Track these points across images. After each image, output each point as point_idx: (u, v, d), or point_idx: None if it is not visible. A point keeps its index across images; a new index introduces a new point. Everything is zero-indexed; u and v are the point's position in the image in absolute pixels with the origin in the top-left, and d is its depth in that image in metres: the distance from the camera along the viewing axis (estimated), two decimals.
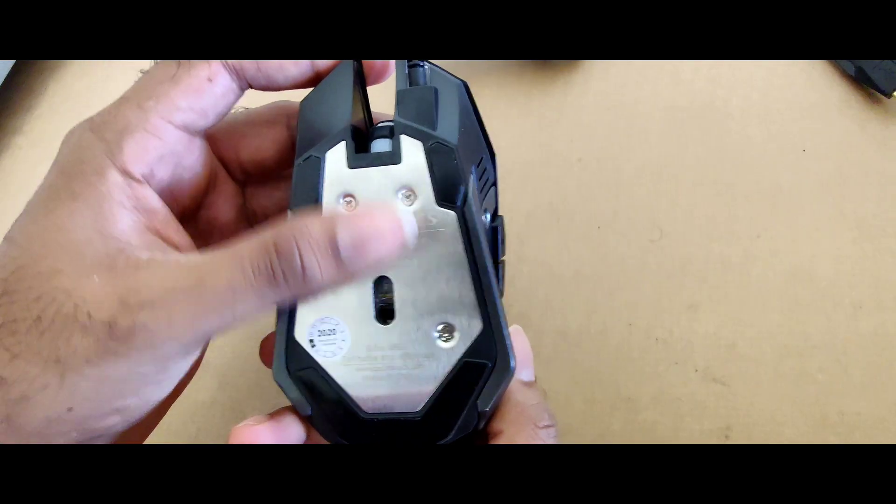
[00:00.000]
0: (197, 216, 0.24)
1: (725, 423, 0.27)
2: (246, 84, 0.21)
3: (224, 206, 0.24)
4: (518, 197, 0.33)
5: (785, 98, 0.33)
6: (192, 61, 0.20)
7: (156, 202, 0.20)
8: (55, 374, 0.17)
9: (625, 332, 0.29)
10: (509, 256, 0.28)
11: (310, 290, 0.18)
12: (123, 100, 0.20)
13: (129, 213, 0.19)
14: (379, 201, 0.19)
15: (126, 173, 0.19)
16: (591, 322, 0.30)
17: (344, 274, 0.18)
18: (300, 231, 0.18)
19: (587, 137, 0.33)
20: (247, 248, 0.18)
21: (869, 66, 0.31)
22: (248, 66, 0.21)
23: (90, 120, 0.20)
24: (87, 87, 0.40)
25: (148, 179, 0.20)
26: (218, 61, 0.20)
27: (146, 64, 0.22)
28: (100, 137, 0.19)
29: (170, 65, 0.20)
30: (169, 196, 0.21)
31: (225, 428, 0.24)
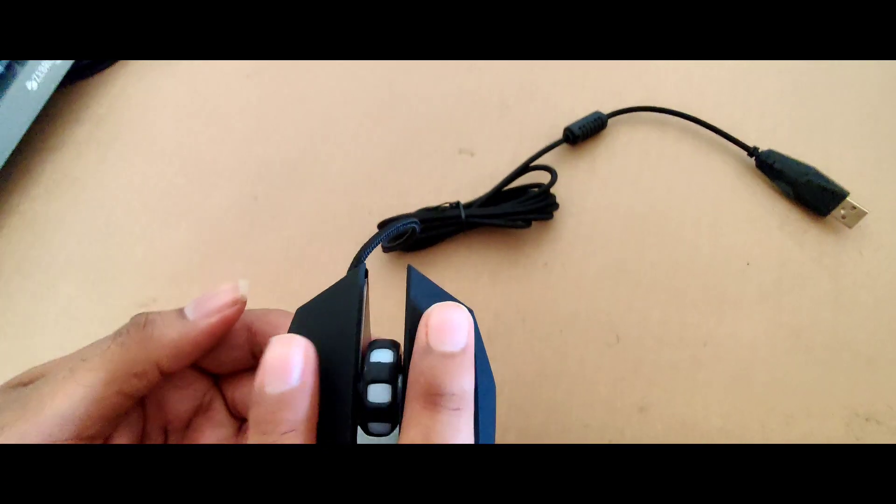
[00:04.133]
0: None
1: None
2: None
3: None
4: (488, 298, 0.35)
5: (732, 211, 0.36)
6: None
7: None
8: None
9: (581, 432, 0.32)
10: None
11: (156, 345, 0.20)
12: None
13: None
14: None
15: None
16: (551, 422, 0.32)
17: (187, 325, 0.21)
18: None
19: (552, 242, 0.36)
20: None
21: (805, 189, 0.35)
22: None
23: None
24: (83, 169, 0.42)
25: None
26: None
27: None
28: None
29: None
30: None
31: None
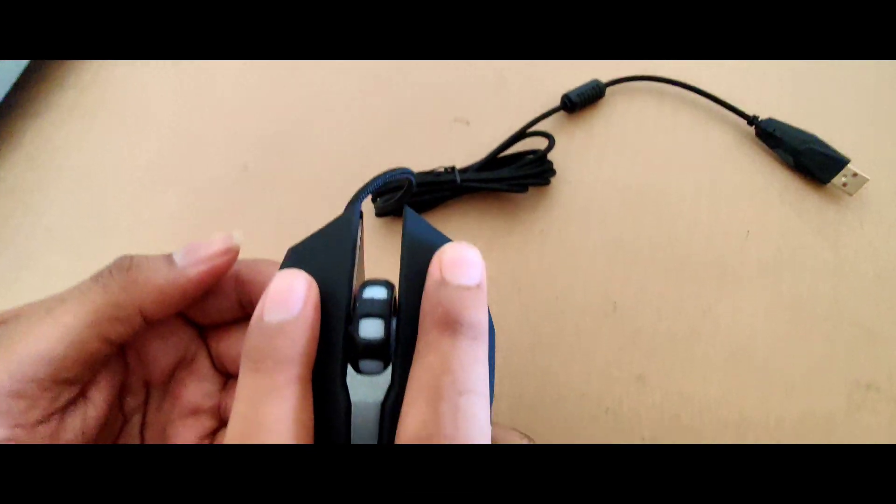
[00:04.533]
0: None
1: None
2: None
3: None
4: None
5: (732, 181, 0.36)
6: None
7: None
8: None
9: (577, 401, 0.31)
10: None
11: (141, 291, 0.19)
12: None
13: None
14: None
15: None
16: (547, 391, 0.32)
17: (175, 271, 0.20)
18: None
19: (548, 209, 0.35)
20: None
21: (806, 157, 0.34)
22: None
23: None
24: (66, 136, 0.41)
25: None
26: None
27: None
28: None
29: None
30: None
31: None
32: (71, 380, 0.19)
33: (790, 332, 0.32)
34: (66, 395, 0.19)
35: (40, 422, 0.18)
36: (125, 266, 0.20)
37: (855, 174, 0.33)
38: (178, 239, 0.37)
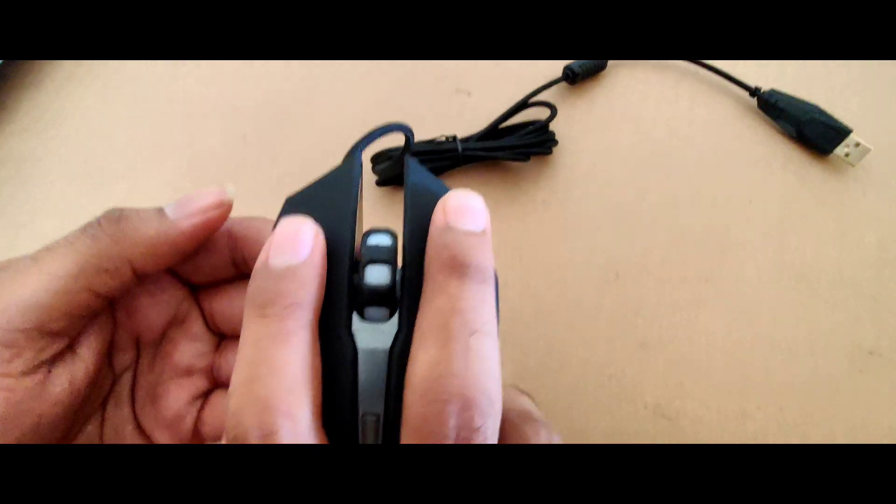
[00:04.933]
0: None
1: None
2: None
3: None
4: None
5: (734, 152, 0.35)
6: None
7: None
8: None
9: (580, 369, 0.31)
10: None
11: (131, 243, 0.19)
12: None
13: None
14: None
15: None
16: (550, 358, 0.31)
17: (166, 223, 0.19)
18: None
19: (550, 179, 0.35)
20: None
21: (808, 127, 0.34)
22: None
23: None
24: (62, 107, 0.40)
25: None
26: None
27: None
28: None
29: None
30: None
31: None
32: (57, 332, 0.18)
33: (793, 299, 0.32)
34: (53, 347, 0.19)
35: (25, 373, 0.18)
36: (115, 217, 0.19)
37: (857, 144, 0.33)
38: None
